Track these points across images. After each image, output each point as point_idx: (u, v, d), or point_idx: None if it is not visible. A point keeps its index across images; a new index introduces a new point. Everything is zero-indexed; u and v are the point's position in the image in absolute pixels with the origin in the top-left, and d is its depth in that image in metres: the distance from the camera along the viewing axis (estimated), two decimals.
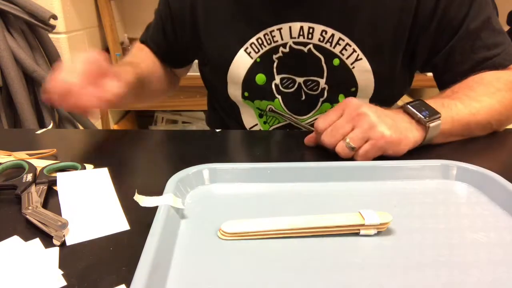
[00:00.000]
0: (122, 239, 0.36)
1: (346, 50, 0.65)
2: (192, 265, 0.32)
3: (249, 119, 0.77)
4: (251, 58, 0.69)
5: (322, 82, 0.68)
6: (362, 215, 0.36)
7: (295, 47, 0.66)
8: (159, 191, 0.39)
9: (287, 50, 0.67)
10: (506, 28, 1.98)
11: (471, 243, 0.35)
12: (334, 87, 0.69)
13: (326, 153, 0.53)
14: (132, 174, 0.49)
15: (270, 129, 0.77)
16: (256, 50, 0.68)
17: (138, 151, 0.56)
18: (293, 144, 0.60)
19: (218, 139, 0.61)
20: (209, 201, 0.42)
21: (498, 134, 0.62)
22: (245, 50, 0.68)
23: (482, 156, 0.56)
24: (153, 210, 0.36)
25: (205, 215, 0.39)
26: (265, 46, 0.67)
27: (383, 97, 0.70)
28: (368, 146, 0.49)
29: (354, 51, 0.65)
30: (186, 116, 2.18)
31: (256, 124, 0.78)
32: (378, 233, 0.36)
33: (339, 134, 0.50)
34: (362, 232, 0.36)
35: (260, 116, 0.77)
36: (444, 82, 0.67)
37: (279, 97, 0.71)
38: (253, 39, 0.67)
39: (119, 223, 0.38)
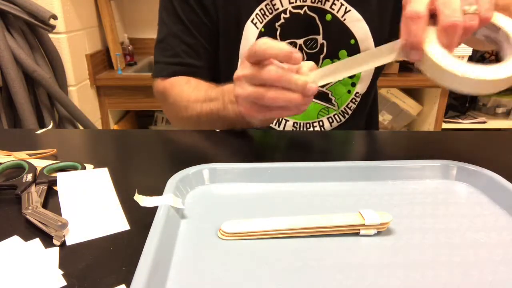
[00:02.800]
0: (122, 239, 0.36)
1: (335, 4, 0.71)
2: (192, 265, 0.32)
3: None
4: (257, 28, 0.72)
5: (320, 38, 0.73)
6: (362, 215, 0.36)
7: (294, 11, 0.72)
8: (159, 191, 0.39)
9: (288, 15, 0.72)
10: None
11: (471, 243, 0.35)
12: (331, 42, 0.73)
13: (326, 153, 0.53)
14: (132, 174, 0.49)
15: None
16: (261, 20, 0.72)
17: (138, 151, 0.56)
18: (293, 144, 0.60)
19: (218, 139, 0.61)
20: (209, 201, 0.42)
21: (498, 134, 0.62)
22: (251, 21, 0.72)
23: (482, 156, 0.56)
24: (153, 210, 0.36)
25: (205, 215, 0.39)
26: (267, 16, 0.72)
27: None
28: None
29: (342, 4, 0.71)
30: None
31: None
32: (378, 233, 0.36)
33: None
34: (362, 232, 0.36)
35: None
36: None
37: None
38: (257, 10, 0.71)
39: (119, 223, 0.38)
